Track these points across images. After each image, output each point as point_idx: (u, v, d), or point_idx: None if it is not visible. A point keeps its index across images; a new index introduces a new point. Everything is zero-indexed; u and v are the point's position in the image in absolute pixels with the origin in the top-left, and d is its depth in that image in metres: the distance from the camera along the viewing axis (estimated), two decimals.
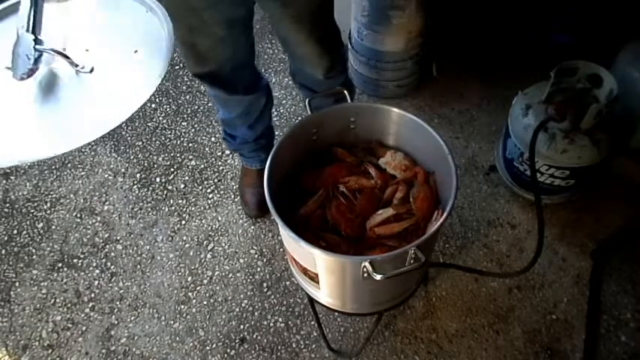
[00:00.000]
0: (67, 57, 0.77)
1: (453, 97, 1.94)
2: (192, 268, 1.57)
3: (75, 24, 0.86)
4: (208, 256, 1.60)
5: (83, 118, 0.76)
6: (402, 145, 1.23)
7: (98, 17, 0.89)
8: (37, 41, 0.76)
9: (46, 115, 0.78)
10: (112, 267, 1.59)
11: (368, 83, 1.93)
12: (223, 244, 1.62)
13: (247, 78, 1.39)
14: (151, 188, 1.76)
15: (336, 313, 1.43)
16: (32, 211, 1.72)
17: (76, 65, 0.78)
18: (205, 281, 1.55)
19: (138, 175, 1.79)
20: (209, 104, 1.97)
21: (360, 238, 1.10)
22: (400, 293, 1.18)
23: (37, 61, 0.76)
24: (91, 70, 0.79)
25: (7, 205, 1.74)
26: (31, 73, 0.76)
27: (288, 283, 1.53)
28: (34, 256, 1.62)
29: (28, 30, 0.76)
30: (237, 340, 1.44)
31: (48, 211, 1.72)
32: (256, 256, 1.59)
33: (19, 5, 0.80)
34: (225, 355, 1.42)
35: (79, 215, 1.71)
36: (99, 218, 1.70)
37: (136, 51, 0.83)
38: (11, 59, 0.77)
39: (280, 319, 1.46)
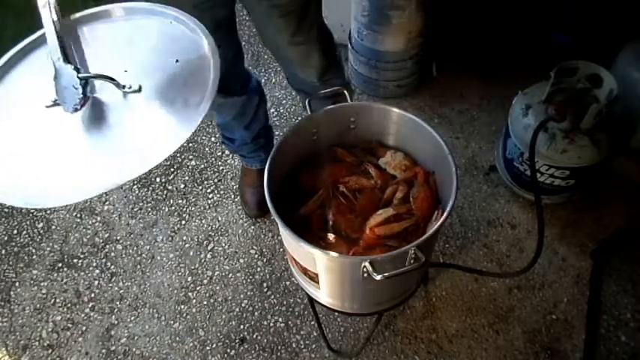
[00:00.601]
0: (112, 79, 0.73)
1: (453, 97, 1.94)
2: (192, 268, 1.57)
3: (105, 47, 0.83)
4: (208, 256, 1.60)
5: (145, 139, 0.71)
6: (402, 145, 1.23)
7: (125, 36, 0.85)
8: (77, 70, 0.72)
9: (103, 145, 0.72)
10: (112, 267, 1.59)
11: (368, 83, 1.93)
12: (223, 244, 1.62)
13: (238, 79, 1.38)
14: (150, 188, 1.76)
15: (336, 313, 1.43)
16: (32, 211, 1.72)
17: (123, 87, 0.74)
18: (205, 281, 1.55)
19: None
20: None
21: (360, 238, 1.10)
22: (400, 293, 1.18)
23: (84, 89, 0.72)
24: (140, 89, 0.74)
25: (7, 205, 1.74)
26: (83, 102, 0.72)
27: (288, 283, 1.53)
28: (34, 256, 1.62)
29: (65, 61, 0.73)
30: (237, 340, 1.44)
31: (48, 211, 1.72)
32: (256, 256, 1.59)
33: (43, 38, 0.77)
34: (225, 355, 1.42)
35: (79, 215, 1.71)
36: (99, 218, 1.70)
37: (177, 60, 0.78)
38: (56, 93, 0.73)
39: (280, 319, 1.46)
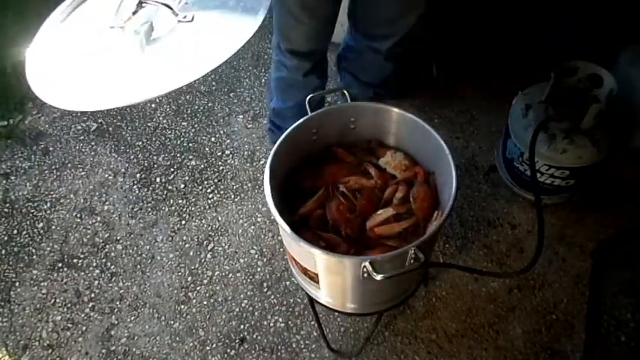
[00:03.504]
0: (169, 7, 0.83)
1: (453, 97, 1.93)
2: (192, 268, 1.57)
3: None
4: (208, 256, 1.60)
5: (188, 60, 0.82)
6: (402, 145, 1.23)
7: None
8: None
9: (152, 61, 0.83)
10: (112, 267, 1.59)
11: None
12: (223, 244, 1.62)
13: (326, 60, 1.52)
14: (151, 188, 1.76)
15: (336, 313, 1.43)
16: (32, 211, 1.72)
17: (177, 14, 0.83)
18: (205, 281, 1.55)
19: (138, 175, 1.79)
20: (209, 104, 1.97)
21: (360, 238, 1.10)
22: (400, 293, 1.18)
23: (137, 9, 0.83)
24: (192, 19, 0.84)
25: (7, 205, 1.74)
26: (128, 19, 0.83)
27: (288, 283, 1.53)
28: (34, 256, 1.62)
29: None
30: (237, 340, 1.44)
31: (48, 211, 1.72)
32: (256, 256, 1.59)
33: None
34: (225, 355, 1.42)
35: (79, 215, 1.71)
36: (99, 218, 1.70)
37: None
38: (118, 8, 0.83)
39: (280, 319, 1.46)
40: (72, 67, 0.87)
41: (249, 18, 0.84)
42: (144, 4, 0.84)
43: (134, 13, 0.83)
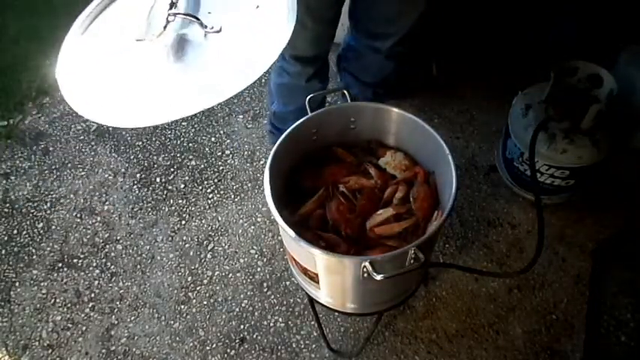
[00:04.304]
0: (197, 19, 0.80)
1: (452, 97, 1.94)
2: (192, 268, 1.57)
3: None
4: (208, 256, 1.60)
5: (217, 76, 0.79)
6: (402, 145, 1.23)
7: None
8: (171, 6, 0.81)
9: (181, 77, 0.80)
10: (112, 267, 1.59)
11: None
12: (223, 244, 1.62)
13: (328, 65, 1.53)
14: (151, 188, 1.76)
15: (336, 313, 1.43)
16: (32, 211, 1.72)
17: (205, 26, 0.81)
18: (205, 281, 1.55)
19: (138, 175, 1.79)
20: None
21: (360, 238, 1.10)
22: (400, 293, 1.18)
23: (168, 23, 0.80)
24: (219, 30, 0.81)
25: (7, 205, 1.74)
26: (161, 33, 0.80)
27: (288, 283, 1.53)
28: (34, 256, 1.62)
29: None
30: (237, 340, 1.44)
31: (48, 211, 1.72)
32: (256, 256, 1.59)
33: None
34: (225, 355, 1.42)
35: (79, 215, 1.71)
36: (99, 218, 1.70)
37: (257, 6, 0.84)
38: (146, 22, 0.81)
39: (280, 319, 1.46)
40: (104, 83, 0.85)
41: (278, 25, 0.80)
42: (171, 18, 0.81)
43: (165, 27, 0.80)
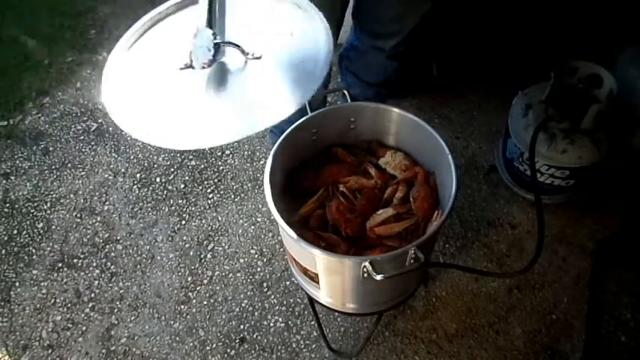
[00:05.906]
0: (238, 46, 0.81)
1: (453, 97, 1.94)
2: (192, 268, 1.57)
3: (232, 16, 0.90)
4: (208, 256, 1.60)
5: (260, 103, 0.79)
6: (402, 145, 1.23)
7: (243, 7, 0.92)
8: (215, 35, 0.81)
9: (223, 104, 0.81)
10: (112, 267, 1.59)
11: None
12: (223, 244, 1.62)
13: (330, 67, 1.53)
14: (151, 188, 1.76)
15: (336, 313, 1.44)
16: (32, 211, 1.72)
17: (247, 54, 0.82)
18: (205, 281, 1.55)
19: (138, 175, 1.79)
20: None
21: (360, 238, 1.10)
22: (400, 293, 1.18)
23: (216, 52, 0.80)
24: (260, 57, 0.82)
25: (7, 205, 1.74)
26: (210, 63, 0.80)
27: (288, 283, 1.53)
28: (34, 256, 1.62)
29: (207, 24, 0.82)
30: (237, 340, 1.44)
31: (48, 211, 1.72)
32: (256, 256, 1.59)
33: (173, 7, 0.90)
34: (225, 355, 1.42)
35: (79, 215, 1.71)
36: (99, 218, 1.70)
37: (291, 33, 0.85)
38: (191, 51, 0.81)
39: (280, 319, 1.46)
40: (148, 106, 0.85)
41: (316, 48, 0.80)
42: (218, 46, 0.81)
43: (213, 58, 0.80)
